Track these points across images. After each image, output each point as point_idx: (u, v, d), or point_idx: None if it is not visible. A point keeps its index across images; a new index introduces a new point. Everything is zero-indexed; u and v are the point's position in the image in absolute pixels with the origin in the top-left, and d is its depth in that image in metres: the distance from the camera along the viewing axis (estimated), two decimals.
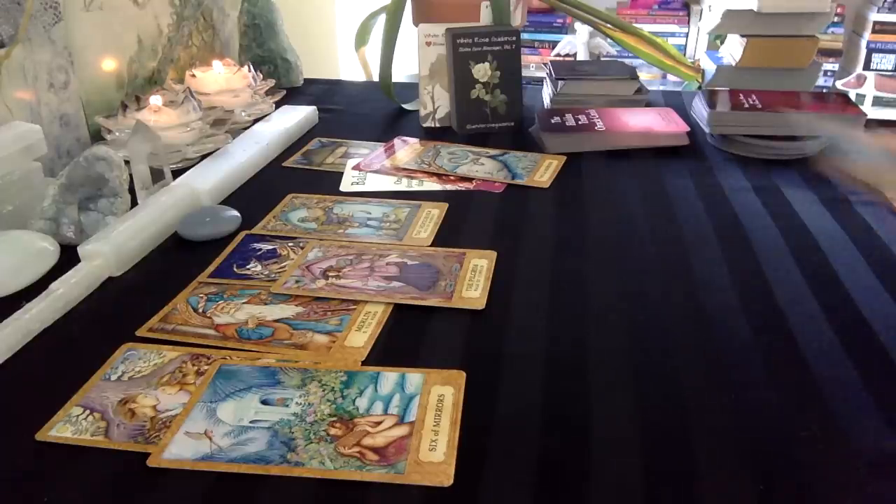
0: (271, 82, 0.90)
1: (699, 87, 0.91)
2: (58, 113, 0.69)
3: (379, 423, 0.37)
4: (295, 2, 1.21)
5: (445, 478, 0.33)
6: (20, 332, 0.44)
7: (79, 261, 0.51)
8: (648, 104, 0.86)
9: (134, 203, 0.60)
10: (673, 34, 2.12)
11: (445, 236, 0.57)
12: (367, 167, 0.72)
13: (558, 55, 2.11)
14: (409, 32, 0.85)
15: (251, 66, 0.87)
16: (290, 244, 0.56)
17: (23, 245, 0.52)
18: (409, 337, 0.44)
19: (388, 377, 0.40)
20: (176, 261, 0.55)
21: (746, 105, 0.74)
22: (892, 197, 0.54)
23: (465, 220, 0.60)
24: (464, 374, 0.40)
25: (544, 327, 0.45)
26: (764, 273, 0.50)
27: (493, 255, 0.53)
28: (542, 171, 0.70)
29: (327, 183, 0.68)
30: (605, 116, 0.77)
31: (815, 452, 0.34)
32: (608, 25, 0.91)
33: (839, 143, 0.49)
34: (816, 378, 0.39)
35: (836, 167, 0.43)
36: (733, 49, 0.90)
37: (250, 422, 0.37)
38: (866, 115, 0.74)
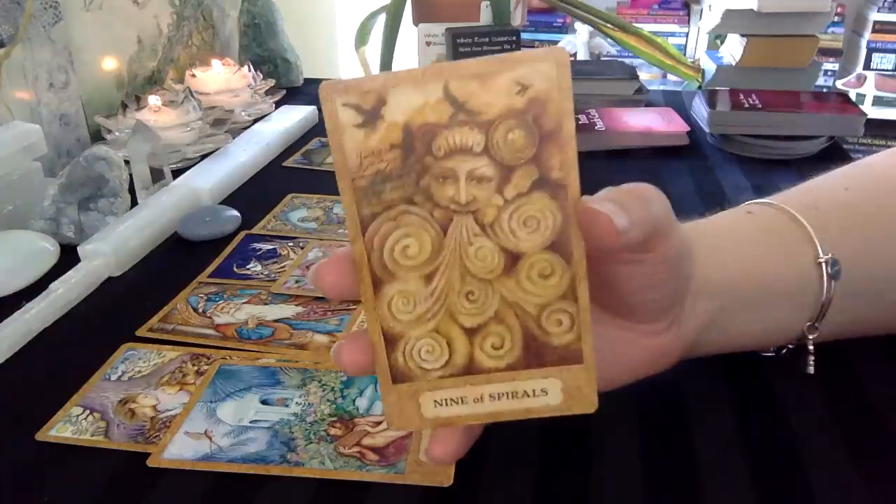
0: (271, 82, 0.90)
1: (699, 87, 0.91)
2: (58, 113, 0.69)
3: (379, 423, 0.37)
4: (295, 2, 1.21)
5: (445, 478, 0.33)
6: (20, 332, 0.44)
7: (79, 261, 0.51)
8: (648, 104, 0.86)
9: (134, 203, 0.60)
10: (673, 34, 2.12)
11: None
12: None
13: None
14: (409, 32, 0.85)
15: (251, 66, 0.87)
16: (290, 244, 0.56)
17: (23, 245, 0.52)
18: None
19: None
20: (176, 261, 0.55)
21: (746, 105, 0.74)
22: None
23: None
24: None
25: None
26: None
27: None
28: None
29: (327, 183, 0.68)
30: (605, 116, 0.77)
31: (818, 452, 0.34)
32: (608, 25, 0.91)
33: None
34: (817, 376, 0.39)
35: None
36: (733, 49, 0.90)
37: (250, 422, 0.37)
38: (866, 114, 0.74)
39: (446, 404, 0.27)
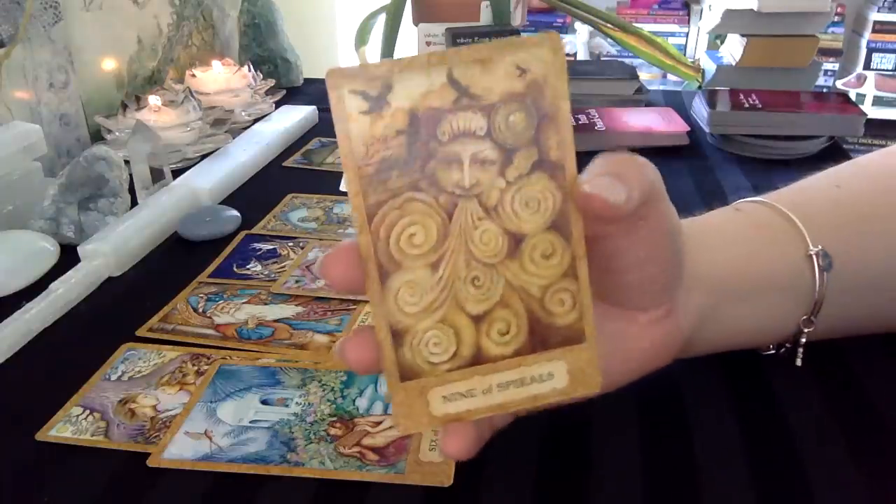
0: (271, 82, 0.90)
1: (699, 87, 0.91)
2: (58, 113, 0.69)
3: (379, 423, 0.37)
4: (295, 2, 1.21)
5: (445, 478, 0.33)
6: (20, 332, 0.44)
7: (79, 261, 0.51)
8: (648, 104, 0.86)
9: (134, 203, 0.60)
10: (673, 34, 2.12)
11: None
12: None
13: None
14: (409, 32, 0.85)
15: (251, 66, 0.87)
16: (290, 244, 0.56)
17: (23, 245, 0.52)
18: None
19: None
20: (176, 261, 0.55)
21: (746, 105, 0.74)
22: None
23: None
24: None
25: None
26: None
27: None
28: None
29: (327, 183, 0.68)
30: (605, 116, 0.77)
31: (817, 450, 0.34)
32: (608, 25, 0.91)
33: None
34: (815, 375, 0.39)
35: None
36: (733, 49, 0.90)
37: (250, 422, 0.37)
38: (866, 114, 0.74)
39: (455, 399, 0.27)
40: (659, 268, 0.31)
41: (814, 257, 0.36)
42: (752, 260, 0.36)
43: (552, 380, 0.27)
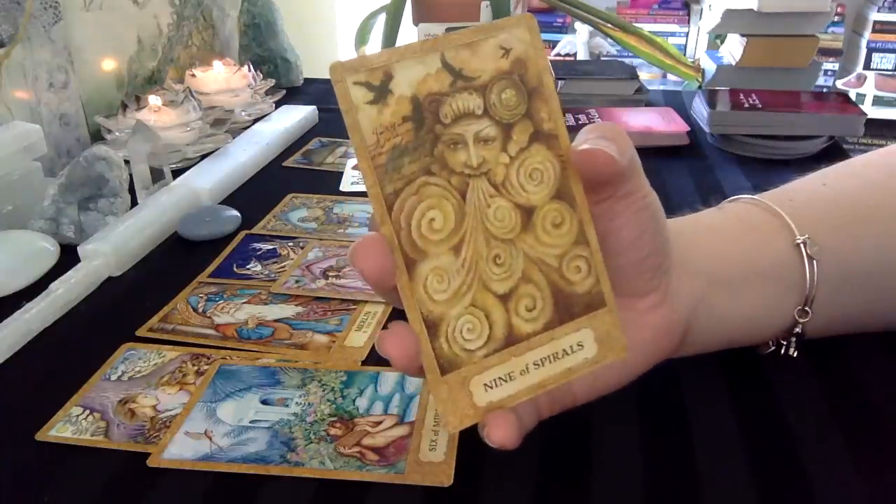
0: (271, 82, 0.90)
1: (699, 87, 0.91)
2: (58, 113, 0.69)
3: (379, 423, 0.37)
4: (295, 2, 1.21)
5: (445, 478, 0.33)
6: (20, 332, 0.44)
7: (79, 261, 0.51)
8: (648, 104, 0.86)
9: (134, 203, 0.60)
10: (673, 34, 2.12)
11: None
12: None
13: (558, 55, 2.11)
14: (409, 32, 0.85)
15: (251, 66, 0.87)
16: (290, 244, 0.56)
17: (23, 245, 0.52)
18: None
19: (388, 377, 0.40)
20: (176, 261, 0.55)
21: (746, 105, 0.74)
22: None
23: None
24: None
25: None
26: None
27: None
28: None
29: (327, 183, 0.68)
30: (605, 116, 0.77)
31: (816, 448, 0.34)
32: (608, 25, 0.91)
33: None
34: (817, 370, 0.39)
35: None
36: (733, 49, 0.90)
37: (250, 422, 0.37)
38: (866, 114, 0.74)
39: (496, 385, 0.28)
40: (648, 248, 0.31)
41: (801, 246, 0.36)
42: (741, 251, 0.37)
43: (582, 350, 0.28)
